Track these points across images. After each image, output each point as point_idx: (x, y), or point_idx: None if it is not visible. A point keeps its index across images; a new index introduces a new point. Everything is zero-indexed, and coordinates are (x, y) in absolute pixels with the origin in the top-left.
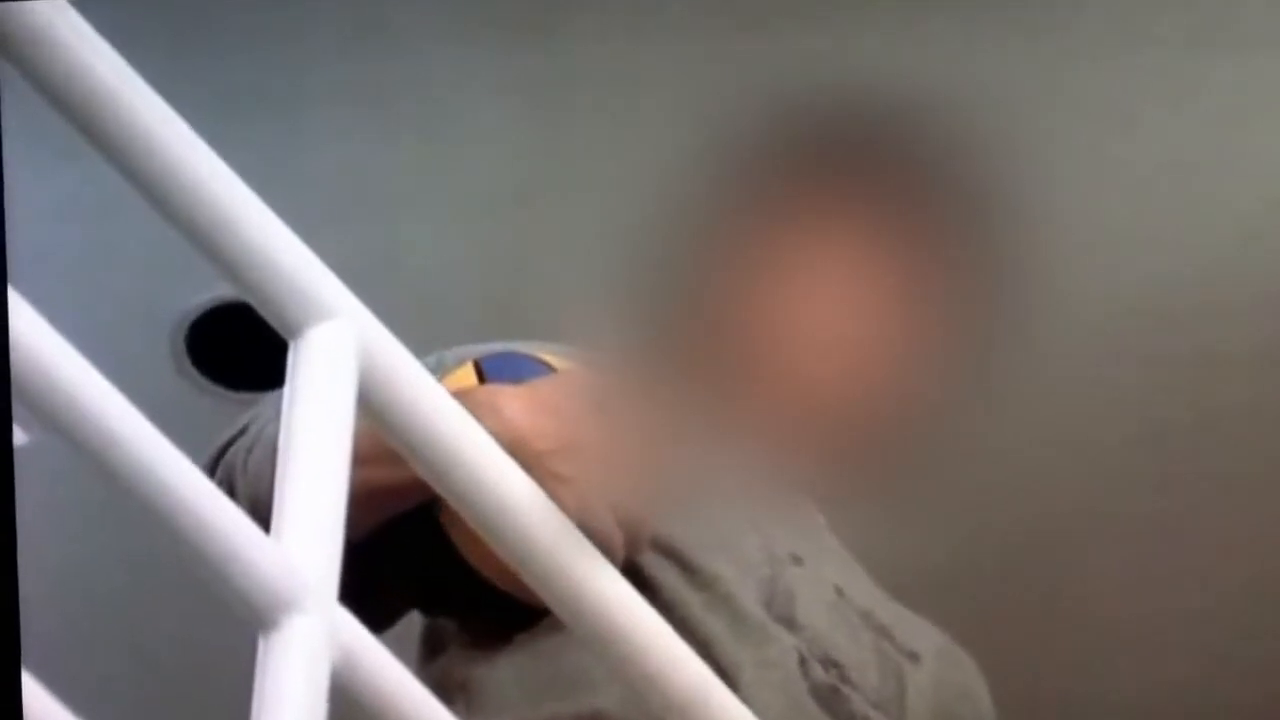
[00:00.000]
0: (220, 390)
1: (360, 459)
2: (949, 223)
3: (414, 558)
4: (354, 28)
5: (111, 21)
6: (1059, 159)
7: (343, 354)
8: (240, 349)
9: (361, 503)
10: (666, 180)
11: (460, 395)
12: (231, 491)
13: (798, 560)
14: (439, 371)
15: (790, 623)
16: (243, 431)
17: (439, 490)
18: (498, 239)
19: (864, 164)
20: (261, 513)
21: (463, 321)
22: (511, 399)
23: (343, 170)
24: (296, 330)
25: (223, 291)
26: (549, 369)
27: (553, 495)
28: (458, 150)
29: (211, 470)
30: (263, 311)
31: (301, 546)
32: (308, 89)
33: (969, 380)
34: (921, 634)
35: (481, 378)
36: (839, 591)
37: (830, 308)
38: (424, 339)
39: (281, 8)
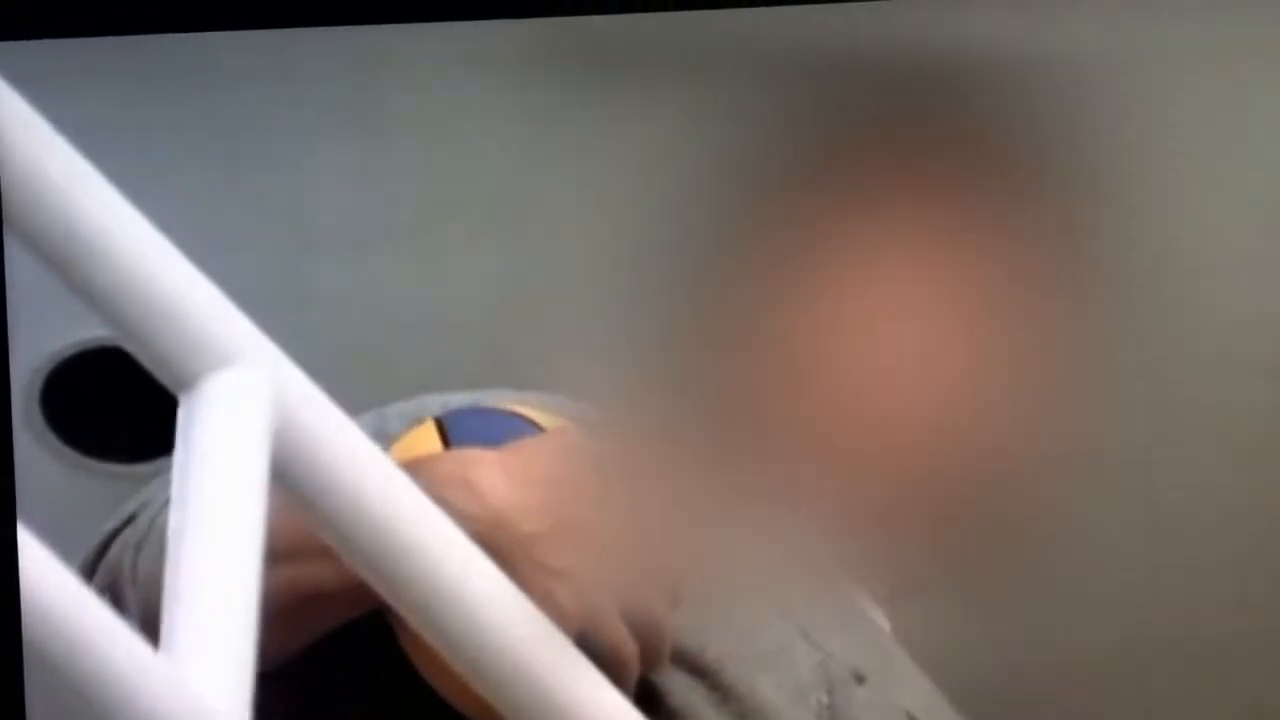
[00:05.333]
0: (88, 460)
1: (294, 552)
2: (1045, 227)
3: (362, 677)
4: (356, 63)
5: (110, 65)
6: (1174, 158)
7: (250, 410)
8: (113, 406)
9: (296, 611)
10: (686, 203)
11: (421, 466)
12: (118, 602)
13: (859, 678)
14: (382, 439)
15: None
16: (129, 521)
17: (377, 589)
18: (508, 269)
19: (930, 157)
20: (158, 630)
21: (473, 351)
22: (489, 468)
23: (349, 203)
24: (189, 380)
25: (88, 333)
26: (532, 427)
27: (546, 594)
28: (464, 181)
29: (90, 572)
30: (143, 357)
31: (201, 666)
32: (311, 123)
33: (1075, 435)
34: None
35: (446, 441)
36: None
37: (894, 342)
38: (430, 376)
39: (281, 44)
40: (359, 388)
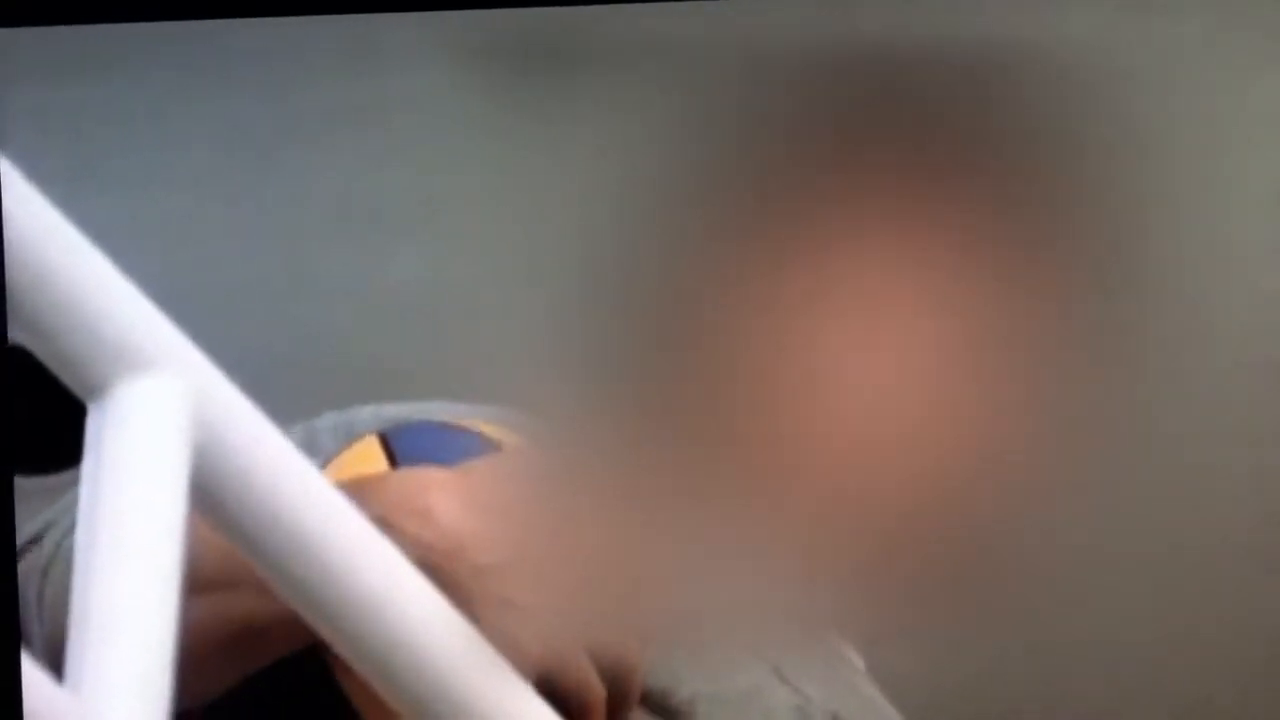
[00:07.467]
0: None
1: (223, 582)
2: (1034, 225)
3: (294, 714)
4: (348, 51)
5: (103, 55)
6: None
7: (168, 421)
8: (13, 412)
9: (225, 645)
10: (649, 205)
11: (366, 487)
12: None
13: None
14: (314, 455)
15: None
16: (34, 542)
17: (308, 618)
18: (490, 264)
19: (905, 157)
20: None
21: (454, 348)
22: (445, 492)
23: (336, 194)
24: (99, 386)
25: None
26: (486, 443)
27: (506, 632)
28: (451, 176)
29: None
30: (49, 359)
31: (111, 701)
32: (300, 113)
33: (1070, 461)
34: None
35: (392, 458)
36: None
37: (871, 359)
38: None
39: (274, 32)
40: (333, 383)
